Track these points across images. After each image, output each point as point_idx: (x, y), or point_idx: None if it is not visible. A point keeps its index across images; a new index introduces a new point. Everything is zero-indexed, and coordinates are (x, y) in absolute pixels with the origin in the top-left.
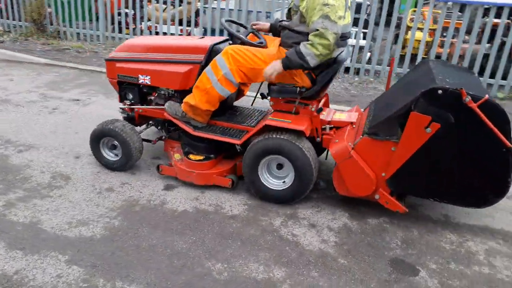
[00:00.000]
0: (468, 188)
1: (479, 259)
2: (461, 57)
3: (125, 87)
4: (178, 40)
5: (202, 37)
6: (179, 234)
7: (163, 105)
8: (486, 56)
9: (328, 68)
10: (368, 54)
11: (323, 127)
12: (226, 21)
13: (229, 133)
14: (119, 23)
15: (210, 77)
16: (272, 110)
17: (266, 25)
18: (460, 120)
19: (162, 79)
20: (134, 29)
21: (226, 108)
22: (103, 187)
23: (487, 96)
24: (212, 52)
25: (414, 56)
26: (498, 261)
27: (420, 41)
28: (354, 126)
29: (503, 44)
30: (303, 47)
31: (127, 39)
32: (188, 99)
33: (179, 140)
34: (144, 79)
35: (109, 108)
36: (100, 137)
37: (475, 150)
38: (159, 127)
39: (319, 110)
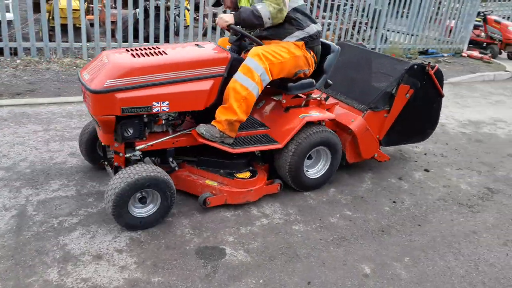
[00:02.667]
0: (421, 129)
1: (255, 213)
2: (113, 22)
3: (125, 122)
4: (188, 52)
5: (197, 45)
6: None
7: (167, 131)
8: (138, 21)
9: (326, 56)
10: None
11: None
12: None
13: (258, 140)
14: None
15: (245, 83)
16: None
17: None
18: (422, 84)
19: (184, 101)
20: None
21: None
22: None
23: (437, 65)
24: (234, 60)
25: (64, 26)
26: (267, 209)
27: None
28: (338, 105)
29: (146, 9)
30: (257, 2)
31: None
32: (225, 115)
33: (198, 167)
34: (161, 106)
35: None
36: (135, 191)
37: (426, 101)
38: (170, 159)
39: (327, 98)
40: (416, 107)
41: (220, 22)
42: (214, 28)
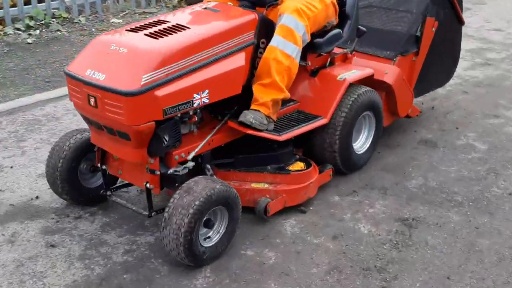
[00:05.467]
0: (446, 67)
1: None
2: None
3: (163, 127)
4: (211, 21)
5: (205, 8)
6: None
7: (192, 131)
8: None
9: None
10: None
11: None
12: None
13: (294, 119)
14: None
15: (287, 49)
16: None
17: None
18: (444, 12)
19: (223, 86)
20: None
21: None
22: None
23: None
24: (262, 22)
25: None
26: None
27: None
28: (355, 57)
29: None
30: None
31: None
32: (270, 95)
33: (236, 169)
34: (201, 98)
35: None
36: (206, 211)
37: (448, 33)
38: (208, 166)
39: (352, 50)
40: (440, 41)
41: None
42: None
